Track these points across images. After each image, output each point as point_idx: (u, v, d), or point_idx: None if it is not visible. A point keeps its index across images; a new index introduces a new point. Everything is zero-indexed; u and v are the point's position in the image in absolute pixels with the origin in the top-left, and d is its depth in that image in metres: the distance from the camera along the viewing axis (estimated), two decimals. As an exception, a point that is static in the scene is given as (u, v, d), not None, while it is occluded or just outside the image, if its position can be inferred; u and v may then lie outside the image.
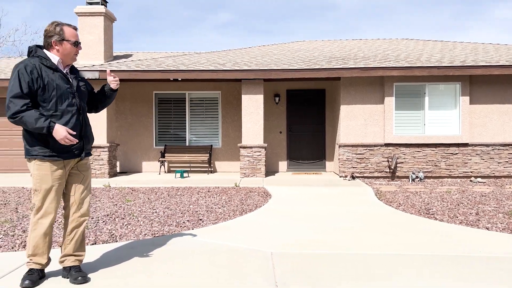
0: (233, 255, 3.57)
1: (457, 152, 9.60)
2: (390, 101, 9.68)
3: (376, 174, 9.69)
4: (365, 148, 9.74)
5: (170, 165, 11.49)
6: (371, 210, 5.70)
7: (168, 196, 7.05)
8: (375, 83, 9.82)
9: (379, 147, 9.72)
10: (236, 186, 8.17)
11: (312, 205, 6.12)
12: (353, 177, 9.42)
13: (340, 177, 9.73)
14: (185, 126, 11.56)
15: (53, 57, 2.92)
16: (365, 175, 9.69)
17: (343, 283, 2.92)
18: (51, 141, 2.83)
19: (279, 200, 6.63)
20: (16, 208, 5.93)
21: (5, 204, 6.29)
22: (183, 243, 3.97)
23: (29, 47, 2.94)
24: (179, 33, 51.64)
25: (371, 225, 4.74)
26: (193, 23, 52.67)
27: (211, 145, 11.30)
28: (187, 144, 11.52)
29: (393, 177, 9.61)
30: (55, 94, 2.84)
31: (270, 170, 11.35)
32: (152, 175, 10.61)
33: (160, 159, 10.81)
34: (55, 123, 2.79)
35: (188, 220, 5.11)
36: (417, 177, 9.38)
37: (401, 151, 9.68)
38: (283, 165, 11.42)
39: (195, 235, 4.28)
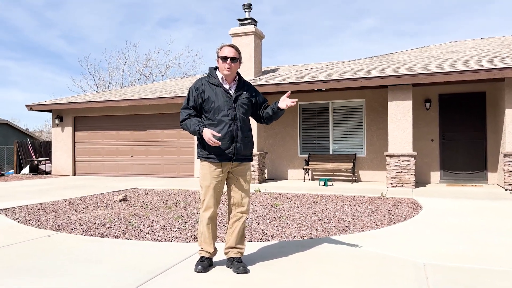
0: (382, 262, 3.54)
1: None
2: None
3: (554, 188, 8.25)
4: (538, 158, 8.41)
5: (314, 173, 11.76)
6: (548, 229, 4.91)
7: (314, 202, 7.26)
8: (551, 82, 8.43)
9: (558, 156, 8.28)
10: (383, 196, 7.93)
11: (469, 219, 5.58)
12: (522, 191, 8.21)
13: (506, 190, 8.58)
14: (329, 134, 11.71)
15: (218, 75, 3.42)
16: (538, 189, 8.34)
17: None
18: (206, 145, 3.31)
19: (432, 212, 6.21)
20: (185, 207, 6.89)
21: (176, 203, 7.36)
22: (331, 247, 4.09)
23: (208, 69, 3.50)
24: (320, 43, 52.34)
25: (547, 245, 4.11)
26: (335, 33, 52.76)
27: (355, 154, 11.18)
28: (330, 152, 11.64)
29: None
30: (213, 106, 3.32)
31: (420, 181, 10.65)
32: (297, 182, 11.02)
33: (305, 167, 11.16)
34: (204, 127, 3.25)
35: (334, 226, 5.20)
36: None
37: None
38: (435, 175, 10.60)
39: (342, 241, 4.36)
